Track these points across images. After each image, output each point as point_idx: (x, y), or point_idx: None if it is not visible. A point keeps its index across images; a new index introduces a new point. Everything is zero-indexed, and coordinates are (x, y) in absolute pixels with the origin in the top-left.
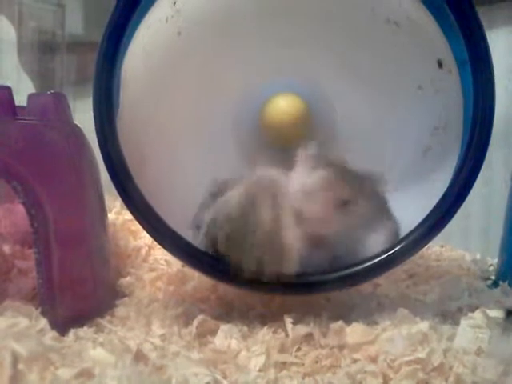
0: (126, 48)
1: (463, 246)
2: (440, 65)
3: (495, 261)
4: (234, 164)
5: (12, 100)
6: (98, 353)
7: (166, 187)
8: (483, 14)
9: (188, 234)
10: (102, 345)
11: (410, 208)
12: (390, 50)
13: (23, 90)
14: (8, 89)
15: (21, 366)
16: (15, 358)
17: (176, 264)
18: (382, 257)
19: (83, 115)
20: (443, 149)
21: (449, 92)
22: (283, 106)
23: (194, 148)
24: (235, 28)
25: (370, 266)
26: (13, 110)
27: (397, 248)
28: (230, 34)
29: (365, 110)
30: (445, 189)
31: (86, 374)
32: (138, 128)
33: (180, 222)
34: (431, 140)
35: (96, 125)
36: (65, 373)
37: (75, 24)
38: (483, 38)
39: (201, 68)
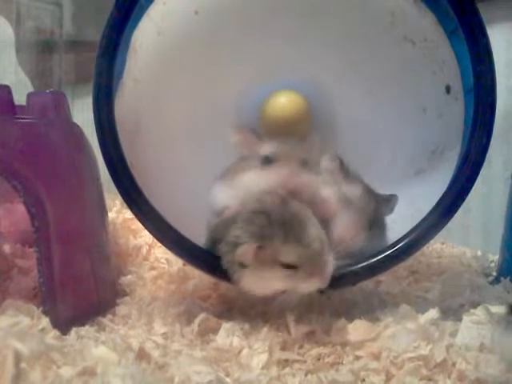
0: (127, 41)
1: (463, 243)
2: (448, 90)
3: (496, 257)
4: (234, 158)
5: (11, 99)
6: (101, 351)
7: (166, 183)
8: (482, 10)
9: (187, 232)
10: (103, 343)
11: (412, 205)
12: (402, 66)
13: (21, 89)
14: (7, 88)
15: (23, 365)
16: (18, 357)
17: (177, 263)
18: (386, 253)
19: (81, 114)
20: (436, 172)
21: (452, 119)
22: (283, 102)
23: (194, 144)
24: (245, 20)
25: (372, 263)
26: (12, 108)
27: (400, 244)
28: (241, 24)
29: (365, 114)
30: (445, 187)
31: (89, 372)
32: (138, 106)
33: (179, 218)
34: (426, 163)
35: (96, 122)
36: (67, 371)
37: (73, 23)
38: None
39: (207, 55)
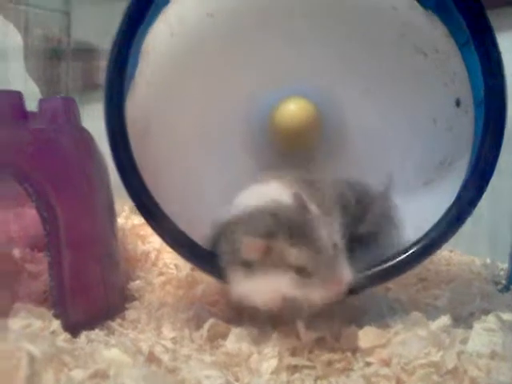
0: (140, 43)
1: (472, 250)
2: (458, 104)
3: (505, 265)
4: (243, 167)
5: (23, 105)
6: (113, 354)
7: (176, 188)
8: (491, 18)
9: (198, 237)
10: (114, 346)
11: (421, 213)
12: (414, 76)
13: (30, 97)
14: (19, 94)
15: (36, 367)
16: (31, 359)
17: (185, 268)
18: (395, 261)
19: (89, 121)
20: (445, 182)
21: (461, 131)
22: (293, 110)
23: (204, 150)
24: (258, 27)
25: (381, 270)
26: (24, 114)
27: (409, 252)
28: (254, 30)
29: (375, 122)
30: (454, 197)
31: (101, 374)
32: (150, 108)
33: (189, 223)
34: (435, 173)
35: (107, 127)
36: (79, 374)
37: (81, 31)
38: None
39: (219, 60)
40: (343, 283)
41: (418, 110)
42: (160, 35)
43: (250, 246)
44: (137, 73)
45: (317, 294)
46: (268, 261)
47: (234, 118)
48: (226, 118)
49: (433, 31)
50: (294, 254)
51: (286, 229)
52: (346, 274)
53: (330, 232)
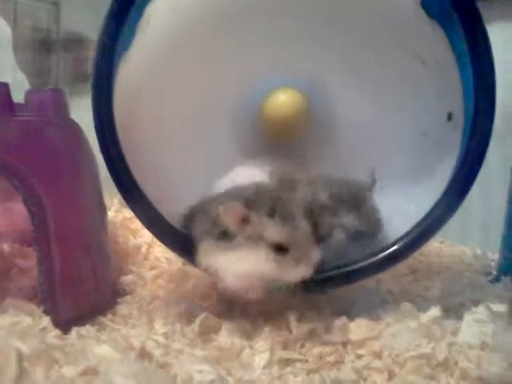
0: (140, 12)
1: (462, 241)
2: (449, 118)
3: (496, 256)
4: (231, 157)
5: (9, 96)
6: (103, 350)
7: (166, 181)
8: (481, 9)
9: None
10: (105, 342)
11: (412, 204)
12: (409, 84)
13: (19, 89)
14: (5, 85)
15: (25, 364)
16: (20, 356)
17: (177, 262)
18: (386, 252)
19: (79, 113)
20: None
21: (449, 146)
22: (282, 100)
23: (192, 140)
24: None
25: (373, 261)
26: (11, 106)
27: (401, 243)
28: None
29: (364, 116)
30: (445, 186)
31: (91, 371)
32: (142, 79)
33: (177, 215)
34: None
35: (95, 119)
36: (69, 371)
37: (70, 21)
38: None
39: (214, 44)
40: (313, 263)
41: (406, 120)
42: (162, 8)
43: (228, 211)
44: (134, 39)
45: (290, 272)
46: (244, 233)
47: (222, 106)
48: (215, 105)
49: (435, 41)
50: (274, 228)
51: (265, 203)
52: (316, 253)
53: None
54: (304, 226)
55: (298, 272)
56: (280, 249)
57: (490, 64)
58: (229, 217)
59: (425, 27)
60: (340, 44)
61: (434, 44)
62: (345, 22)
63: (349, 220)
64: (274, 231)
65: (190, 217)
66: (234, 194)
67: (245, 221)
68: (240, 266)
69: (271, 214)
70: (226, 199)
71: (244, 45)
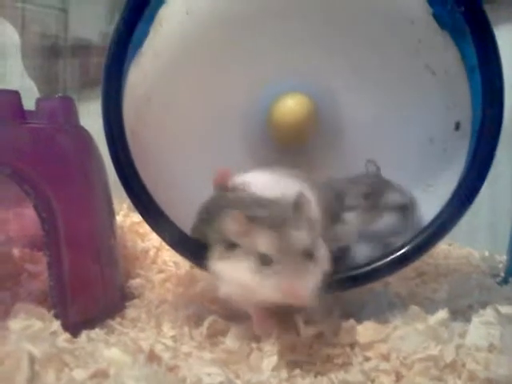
0: (154, 13)
1: (470, 244)
2: (457, 127)
3: (503, 258)
4: (240, 161)
5: (21, 104)
6: (113, 353)
7: (175, 186)
8: (489, 11)
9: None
10: (114, 346)
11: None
12: (418, 92)
13: (27, 95)
14: (16, 93)
15: (37, 368)
16: (31, 360)
17: (184, 265)
18: (395, 255)
19: (87, 119)
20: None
21: (455, 154)
22: (291, 105)
23: (201, 146)
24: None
25: (381, 264)
26: (22, 114)
27: (409, 246)
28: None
29: (371, 121)
30: (452, 189)
31: (101, 374)
32: (153, 80)
33: (187, 221)
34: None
35: (105, 125)
36: (80, 373)
37: (78, 28)
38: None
39: (224, 50)
40: (306, 287)
41: (413, 126)
42: (175, 10)
43: (230, 221)
44: (146, 42)
45: (272, 288)
46: (244, 245)
47: (232, 112)
48: (225, 110)
49: (445, 52)
50: (262, 239)
51: (268, 219)
52: (305, 286)
53: (310, 239)
54: (301, 243)
55: (279, 287)
56: (265, 261)
57: (499, 69)
58: (232, 225)
59: (436, 38)
60: (349, 50)
61: (444, 55)
62: (356, 30)
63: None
64: (260, 241)
65: (206, 220)
66: (245, 203)
67: (246, 233)
68: (229, 274)
69: (269, 226)
70: (234, 208)
71: (255, 49)
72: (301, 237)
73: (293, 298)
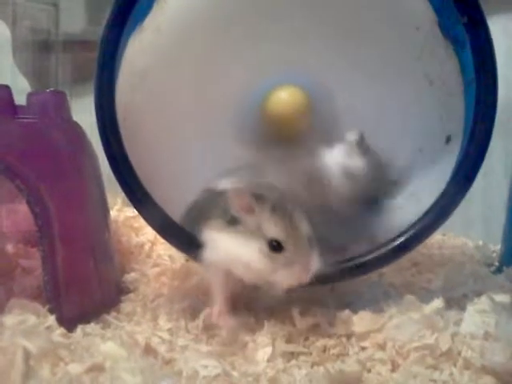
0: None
1: (464, 233)
2: (448, 141)
3: (497, 247)
4: (234, 154)
5: (12, 99)
6: (108, 347)
7: (168, 179)
8: (482, 1)
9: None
10: (110, 340)
11: (413, 197)
12: (413, 99)
13: (19, 90)
14: (7, 88)
15: (32, 363)
16: (26, 355)
17: (180, 259)
18: (390, 246)
19: (79, 114)
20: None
21: (443, 167)
22: (284, 97)
23: (195, 138)
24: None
25: (377, 255)
26: (13, 108)
27: (404, 236)
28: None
29: (366, 115)
30: (447, 180)
31: (97, 368)
32: (152, 55)
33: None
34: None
35: (98, 119)
36: (75, 368)
37: (70, 23)
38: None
39: (221, 39)
40: (311, 270)
41: (406, 134)
42: None
43: (237, 195)
44: (148, 17)
45: (282, 273)
46: (247, 223)
47: (225, 103)
48: (218, 100)
49: (445, 63)
50: (272, 224)
51: (271, 201)
52: (315, 262)
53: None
54: (305, 229)
55: (291, 275)
56: (276, 248)
57: (494, 83)
58: (236, 200)
59: (438, 47)
60: (346, 45)
61: (444, 66)
62: (357, 26)
63: None
64: (271, 226)
65: (197, 209)
66: (247, 183)
67: (249, 210)
68: (234, 249)
69: (273, 210)
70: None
71: (247, 43)
72: (305, 222)
73: (301, 281)
